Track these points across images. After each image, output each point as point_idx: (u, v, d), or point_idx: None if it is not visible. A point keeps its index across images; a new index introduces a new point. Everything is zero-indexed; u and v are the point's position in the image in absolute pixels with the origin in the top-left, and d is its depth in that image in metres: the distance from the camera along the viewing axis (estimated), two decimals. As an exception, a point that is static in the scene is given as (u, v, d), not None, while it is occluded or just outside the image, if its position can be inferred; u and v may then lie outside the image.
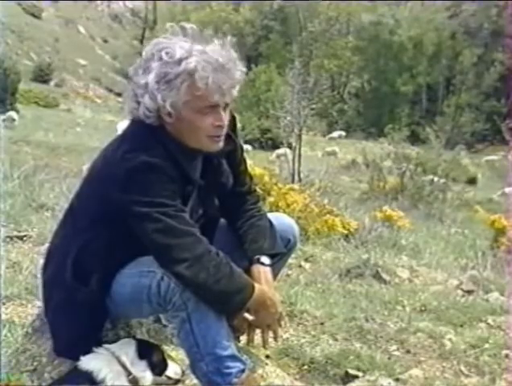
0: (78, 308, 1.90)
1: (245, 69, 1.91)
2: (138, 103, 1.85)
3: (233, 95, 1.88)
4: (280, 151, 16.75)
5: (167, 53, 1.81)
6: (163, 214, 1.78)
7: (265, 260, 2.05)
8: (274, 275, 2.11)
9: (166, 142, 1.86)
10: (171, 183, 1.82)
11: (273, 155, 18.05)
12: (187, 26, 1.89)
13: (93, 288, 1.89)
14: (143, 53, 1.87)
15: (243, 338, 2.16)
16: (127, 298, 1.90)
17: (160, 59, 1.81)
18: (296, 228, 2.30)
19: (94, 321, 1.95)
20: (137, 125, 1.90)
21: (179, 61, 1.80)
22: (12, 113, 18.18)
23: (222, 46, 1.85)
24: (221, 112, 1.88)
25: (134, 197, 1.79)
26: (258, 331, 2.03)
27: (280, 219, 2.26)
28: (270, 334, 2.03)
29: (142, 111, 1.85)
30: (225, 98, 1.86)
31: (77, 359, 1.84)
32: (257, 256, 2.05)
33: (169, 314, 1.92)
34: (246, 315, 1.95)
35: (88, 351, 1.85)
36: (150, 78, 1.80)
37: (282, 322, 2.11)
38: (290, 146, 13.30)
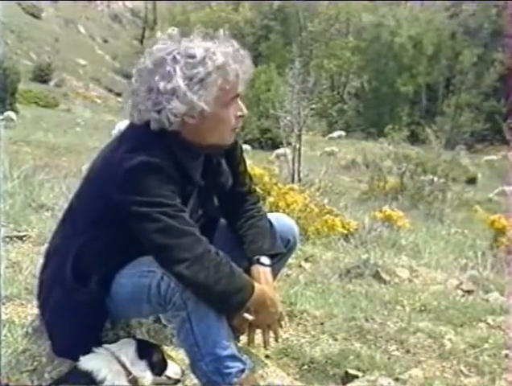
0: (77, 308, 1.90)
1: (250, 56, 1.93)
2: (160, 111, 1.81)
3: None
4: (280, 151, 16.75)
5: (179, 54, 1.80)
6: (163, 214, 1.78)
7: (264, 260, 2.05)
8: (274, 275, 2.11)
9: (167, 142, 1.85)
10: (171, 183, 1.81)
11: (272, 155, 18.05)
12: (172, 30, 1.90)
13: (93, 288, 1.89)
14: (146, 62, 1.83)
15: (243, 338, 2.16)
16: (127, 298, 1.90)
17: (177, 61, 1.79)
18: (296, 229, 2.30)
19: (93, 321, 1.95)
20: (137, 125, 1.89)
21: (203, 59, 1.80)
22: (10, 113, 18.18)
23: (224, 39, 1.87)
24: (240, 102, 1.92)
25: (134, 197, 1.78)
26: (258, 331, 2.03)
27: (280, 220, 2.26)
28: (271, 334, 2.03)
29: (167, 118, 1.81)
30: (244, 87, 1.89)
31: (77, 359, 1.84)
32: (256, 257, 2.05)
33: (169, 314, 1.91)
34: (246, 315, 1.94)
35: (87, 351, 1.85)
36: (179, 81, 1.78)
37: (283, 323, 2.11)
38: (290, 146, 13.31)
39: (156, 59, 1.83)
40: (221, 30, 1.88)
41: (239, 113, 1.91)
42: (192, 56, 1.80)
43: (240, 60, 1.85)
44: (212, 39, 1.86)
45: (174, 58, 1.80)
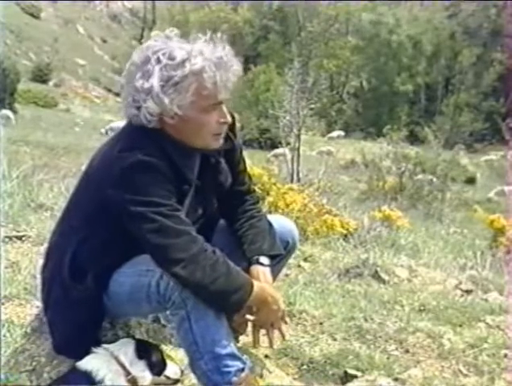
0: (74, 306, 1.90)
1: (240, 64, 1.91)
2: (139, 108, 1.83)
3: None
4: (279, 151, 16.74)
5: (163, 54, 1.80)
6: (159, 213, 1.78)
7: (264, 260, 2.05)
8: (273, 277, 2.10)
9: (162, 142, 1.85)
10: (167, 182, 1.81)
11: (271, 154, 18.05)
12: (170, 31, 1.88)
13: (89, 286, 1.89)
14: (135, 58, 1.85)
15: (243, 339, 2.16)
16: (126, 298, 1.90)
17: (159, 61, 1.80)
18: (296, 231, 2.30)
19: (91, 319, 1.95)
20: (133, 124, 1.89)
21: (182, 63, 1.79)
22: (7, 112, 18.10)
23: (215, 43, 1.85)
24: (225, 109, 1.90)
25: (129, 196, 1.78)
26: (262, 331, 2.02)
27: (280, 222, 2.25)
28: (276, 333, 2.01)
29: (144, 116, 1.83)
30: (227, 94, 1.87)
31: (75, 357, 1.84)
32: (256, 257, 2.05)
33: (168, 313, 1.92)
34: (248, 316, 1.94)
35: (85, 350, 1.85)
36: (154, 82, 1.78)
37: (287, 319, 2.10)
38: (289, 146, 13.30)
39: (143, 57, 1.83)
40: (219, 34, 1.87)
41: (222, 120, 1.90)
42: (173, 58, 1.80)
43: (223, 67, 1.82)
44: (208, 42, 1.85)
45: (158, 58, 1.80)
